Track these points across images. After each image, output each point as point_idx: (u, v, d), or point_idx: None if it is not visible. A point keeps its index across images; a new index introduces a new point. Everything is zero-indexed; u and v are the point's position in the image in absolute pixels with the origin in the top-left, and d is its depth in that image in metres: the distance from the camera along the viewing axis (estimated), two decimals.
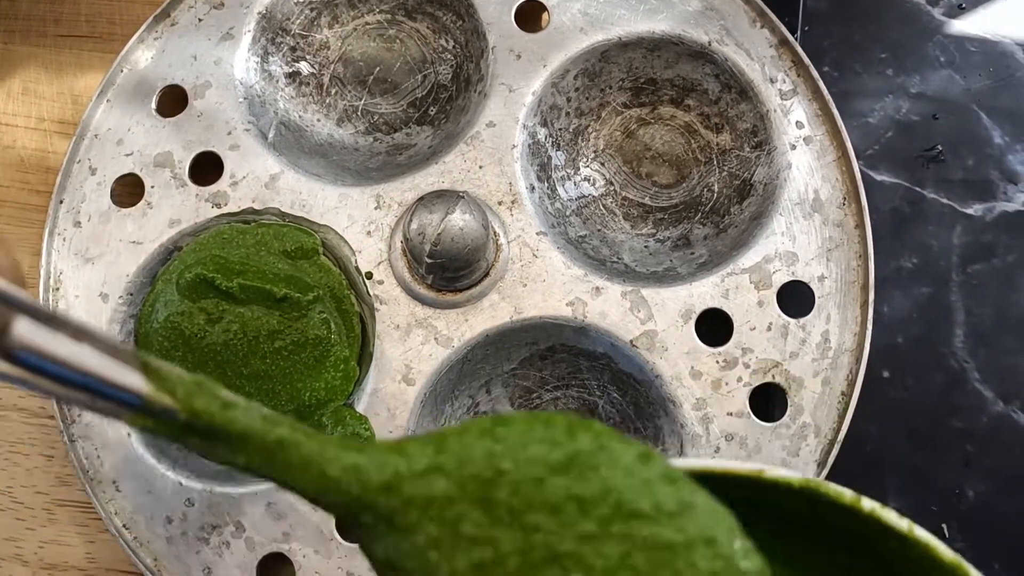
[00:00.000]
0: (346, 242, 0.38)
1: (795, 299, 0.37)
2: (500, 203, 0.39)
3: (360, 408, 0.37)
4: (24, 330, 0.16)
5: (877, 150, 0.44)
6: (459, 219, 0.35)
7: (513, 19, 0.40)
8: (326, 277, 0.38)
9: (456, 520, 0.19)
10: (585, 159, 0.42)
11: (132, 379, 0.18)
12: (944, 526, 0.40)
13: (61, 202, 0.40)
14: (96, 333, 0.18)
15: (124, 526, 0.37)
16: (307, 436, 0.19)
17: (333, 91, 0.43)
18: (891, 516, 0.22)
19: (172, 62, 0.41)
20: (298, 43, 0.43)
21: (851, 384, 0.36)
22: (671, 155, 0.42)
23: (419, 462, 0.19)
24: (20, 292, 0.17)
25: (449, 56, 0.43)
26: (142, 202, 0.40)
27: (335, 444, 0.19)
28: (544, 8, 0.40)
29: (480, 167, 0.39)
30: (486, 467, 0.19)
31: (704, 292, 0.37)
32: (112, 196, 0.40)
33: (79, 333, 0.17)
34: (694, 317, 0.37)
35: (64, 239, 0.40)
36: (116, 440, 0.37)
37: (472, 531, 0.19)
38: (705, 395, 0.36)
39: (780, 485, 0.22)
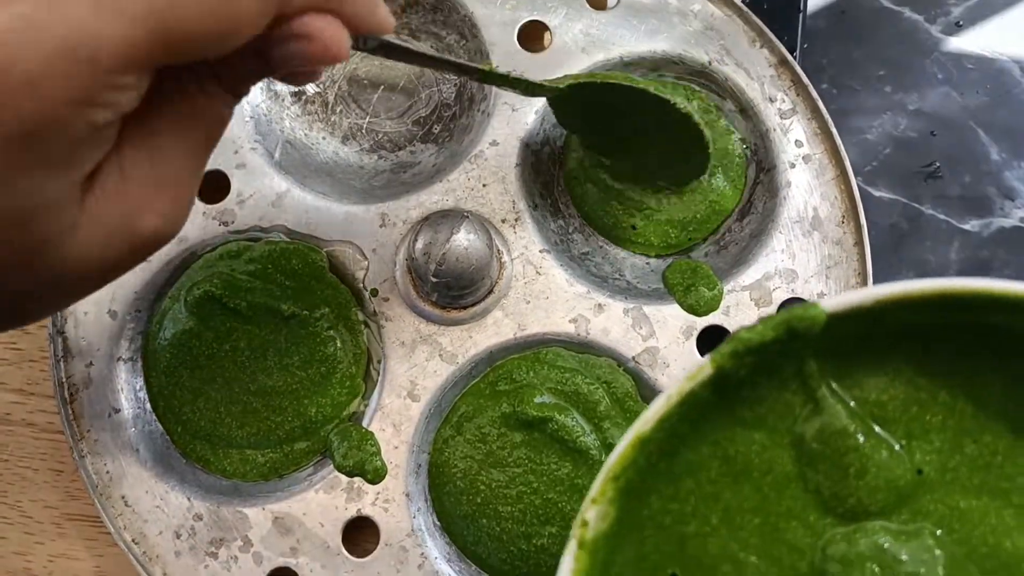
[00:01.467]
0: (363, 254, 0.39)
1: None
2: (503, 221, 0.39)
3: (365, 424, 0.38)
4: None
5: (875, 166, 0.44)
6: (463, 239, 0.35)
7: (516, 39, 0.41)
8: (333, 294, 0.39)
9: None
10: None
11: None
12: None
13: None
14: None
15: (133, 540, 0.37)
16: None
17: (338, 109, 0.44)
18: None
19: None
20: None
21: None
22: None
23: None
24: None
25: (453, 75, 0.43)
26: None
27: None
28: (546, 28, 0.41)
29: (484, 185, 0.39)
30: None
31: None
32: None
33: None
34: (695, 334, 0.37)
35: None
36: (125, 456, 0.38)
37: None
38: None
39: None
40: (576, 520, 0.22)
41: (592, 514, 0.22)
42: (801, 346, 0.23)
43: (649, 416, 0.22)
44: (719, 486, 0.24)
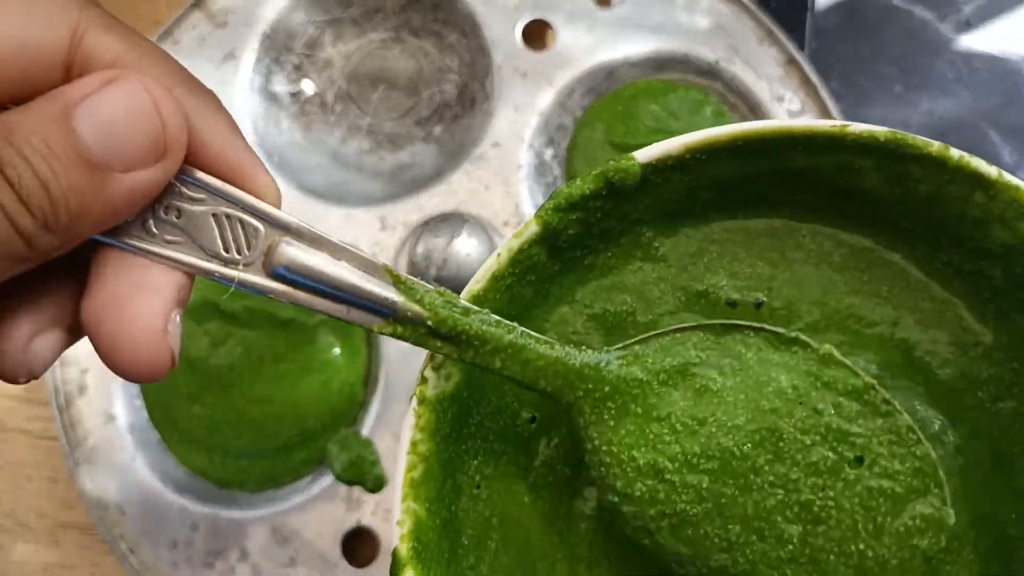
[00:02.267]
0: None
1: None
2: (506, 224, 0.38)
3: (365, 432, 0.37)
4: (291, 251, 0.19)
5: None
6: (465, 243, 0.35)
7: (519, 38, 0.40)
8: None
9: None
10: None
11: (386, 291, 0.20)
12: None
13: None
14: (353, 250, 0.20)
15: (129, 550, 0.37)
16: (535, 341, 0.21)
17: (337, 109, 0.43)
18: (980, 163, 0.22)
19: None
20: (302, 62, 0.43)
21: None
22: None
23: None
24: (286, 215, 0.19)
25: (454, 75, 0.42)
26: None
27: (553, 346, 0.21)
28: (550, 27, 0.40)
29: (486, 187, 0.39)
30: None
31: None
32: None
33: (338, 251, 0.19)
34: None
35: None
36: (121, 464, 0.37)
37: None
38: None
39: (863, 142, 0.22)
40: (418, 379, 0.23)
41: (430, 372, 0.22)
42: (630, 209, 0.24)
43: (479, 275, 0.23)
44: (587, 337, 0.25)
